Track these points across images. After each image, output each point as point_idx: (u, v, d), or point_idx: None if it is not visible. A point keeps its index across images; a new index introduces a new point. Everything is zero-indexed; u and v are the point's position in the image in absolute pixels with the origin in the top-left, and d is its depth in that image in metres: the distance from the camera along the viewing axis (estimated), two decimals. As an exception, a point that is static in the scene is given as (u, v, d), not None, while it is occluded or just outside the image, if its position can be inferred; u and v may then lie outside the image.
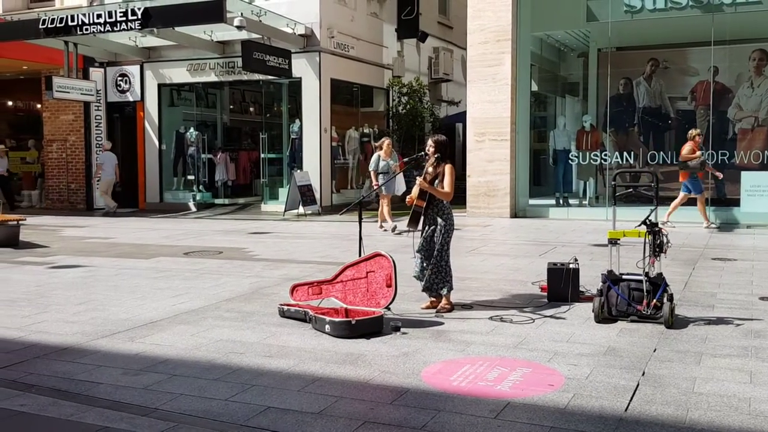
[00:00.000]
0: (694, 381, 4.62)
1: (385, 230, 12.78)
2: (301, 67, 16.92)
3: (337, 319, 5.85)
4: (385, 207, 13.13)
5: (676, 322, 5.99)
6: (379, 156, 13.15)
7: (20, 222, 12.30)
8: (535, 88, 16.81)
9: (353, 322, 5.77)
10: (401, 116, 19.79)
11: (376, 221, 13.42)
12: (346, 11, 18.13)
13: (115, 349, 5.57)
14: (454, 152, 20.52)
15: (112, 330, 6.12)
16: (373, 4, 19.61)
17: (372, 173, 13.21)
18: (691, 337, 5.64)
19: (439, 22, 23.00)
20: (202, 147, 19.05)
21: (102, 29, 15.23)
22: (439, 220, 6.52)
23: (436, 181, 6.54)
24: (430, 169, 6.58)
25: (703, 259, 9.61)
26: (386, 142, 13.20)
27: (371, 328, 5.83)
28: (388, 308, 6.16)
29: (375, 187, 12.88)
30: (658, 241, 6.16)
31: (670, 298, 5.99)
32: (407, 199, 6.66)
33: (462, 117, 18.33)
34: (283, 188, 17.93)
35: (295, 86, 17.56)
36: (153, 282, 8.43)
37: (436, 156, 6.55)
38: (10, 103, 23.38)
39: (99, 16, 15.09)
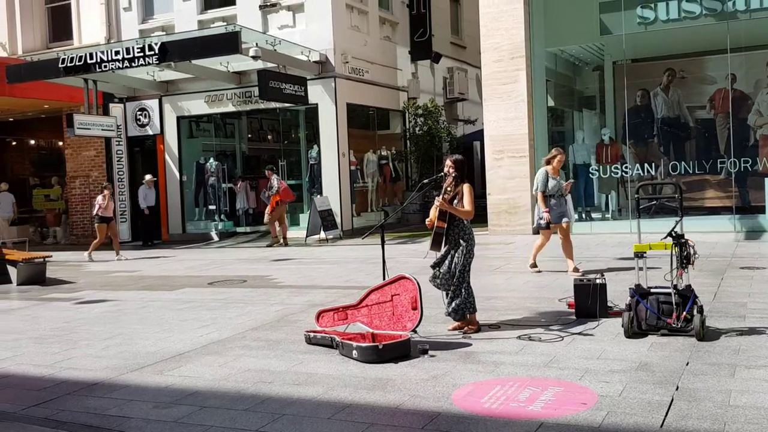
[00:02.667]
0: (729, 394, 4.54)
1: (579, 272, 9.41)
2: (317, 93, 17.04)
3: (364, 345, 5.82)
4: (542, 242, 10.03)
5: (707, 334, 5.90)
6: (546, 173, 9.81)
7: (46, 259, 12.43)
8: (551, 103, 16.78)
9: (380, 347, 5.74)
10: (418, 137, 19.84)
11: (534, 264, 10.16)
12: (359, 36, 18.28)
13: (144, 382, 5.58)
14: (472, 171, 20.54)
15: (141, 363, 6.14)
16: (386, 27, 19.76)
17: (539, 196, 9.80)
18: (723, 349, 5.55)
19: (452, 43, 23.11)
20: (222, 176, 19.20)
21: (120, 65, 15.45)
22: (461, 241, 6.50)
23: (455, 201, 6.52)
24: (449, 189, 6.56)
25: (731, 268, 9.48)
26: (558, 156, 9.89)
27: (399, 351, 5.80)
28: (414, 331, 6.14)
29: (545, 213, 9.66)
30: (685, 253, 6.09)
31: (700, 310, 5.92)
32: (427, 222, 6.64)
33: (479, 135, 18.34)
34: (303, 214, 17.99)
35: (312, 112, 17.67)
36: (179, 313, 8.46)
37: (454, 176, 6.53)
38: (32, 141, 23.78)
39: (117, 52, 15.32)
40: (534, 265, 10.08)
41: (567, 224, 9.77)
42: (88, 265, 14.62)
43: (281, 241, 16.39)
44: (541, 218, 9.74)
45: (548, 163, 9.82)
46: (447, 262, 6.52)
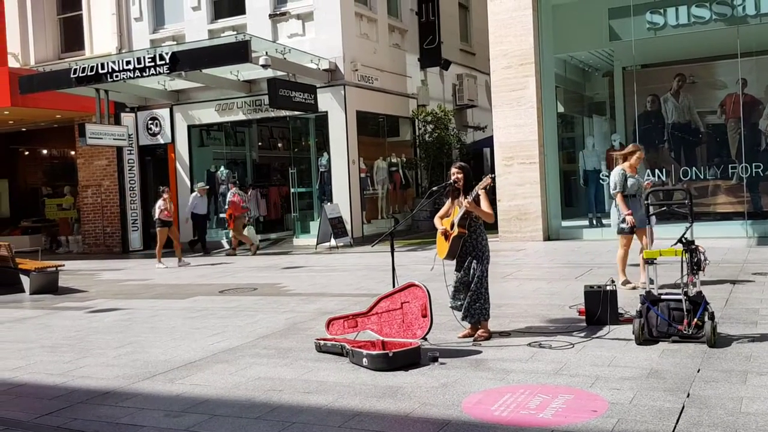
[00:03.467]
0: (740, 401, 4.52)
1: (640, 287, 8.00)
2: (326, 101, 17.10)
3: (374, 352, 5.83)
4: (624, 252, 8.79)
5: (718, 341, 5.87)
6: (623, 172, 8.70)
7: (59, 268, 12.51)
8: (561, 109, 16.76)
9: (391, 355, 5.75)
10: (428, 144, 19.86)
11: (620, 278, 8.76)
12: (368, 44, 18.33)
13: (155, 391, 5.61)
14: (482, 178, 20.48)
15: (152, 372, 6.17)
16: (395, 35, 19.81)
17: (618, 197, 8.63)
18: (735, 356, 5.52)
19: (461, 50, 23.13)
20: (228, 184, 19.25)
21: (132, 75, 15.56)
22: (478, 247, 6.51)
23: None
24: (480, 192, 6.54)
25: (743, 274, 9.43)
26: (637, 152, 8.78)
27: (409, 359, 5.81)
28: (424, 339, 6.14)
29: (628, 216, 8.45)
30: (696, 259, 6.07)
31: (712, 317, 5.89)
32: (440, 231, 6.63)
33: (489, 142, 18.34)
34: (314, 222, 18.03)
35: (322, 120, 17.73)
36: (190, 322, 8.50)
37: (492, 177, 6.55)
38: (45, 151, 23.95)
39: (128, 62, 15.43)
40: (627, 282, 8.72)
41: (645, 231, 8.52)
42: (101, 273, 14.70)
43: (254, 249, 16.71)
44: (623, 221, 8.52)
45: (625, 159, 8.75)
46: (465, 269, 6.52)
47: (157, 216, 15.48)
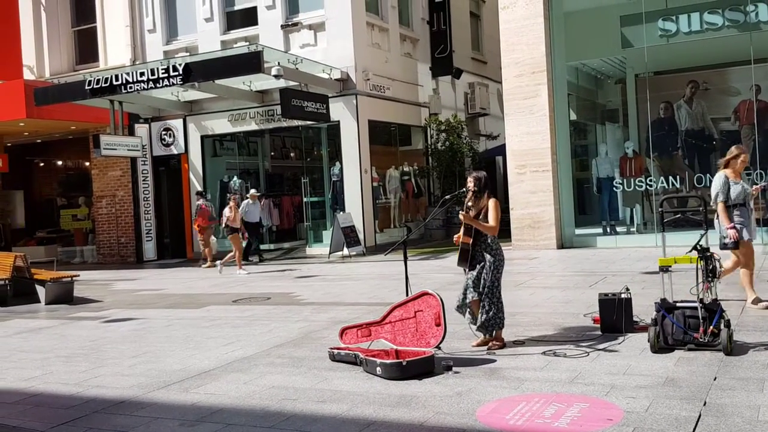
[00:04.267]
0: (758, 409, 4.48)
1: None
2: (338, 110, 17.15)
3: (388, 361, 5.83)
4: (748, 268, 7.71)
5: (735, 349, 5.83)
6: (726, 178, 7.63)
7: (74, 278, 12.59)
8: (573, 117, 16.72)
9: (404, 364, 5.74)
10: (440, 153, 19.87)
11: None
12: (380, 53, 18.39)
13: (170, 400, 5.63)
14: (495, 186, 20.49)
15: (167, 381, 6.19)
16: (407, 44, 19.86)
17: (720, 206, 7.51)
18: (752, 364, 5.48)
19: (472, 58, 23.15)
20: (245, 194, 19.31)
21: (145, 86, 15.67)
22: (488, 256, 6.49)
23: (480, 217, 6.53)
24: (470, 204, 6.56)
25: (759, 281, 9.33)
26: (742, 156, 7.71)
27: (423, 368, 5.80)
28: (438, 347, 6.13)
29: (730, 230, 7.37)
30: (711, 266, 6.04)
31: (728, 324, 5.85)
32: (455, 239, 6.64)
33: (501, 150, 18.34)
34: (326, 231, 18.06)
35: (334, 129, 17.77)
36: (204, 331, 8.52)
37: (473, 190, 6.56)
38: (60, 162, 24.15)
39: (142, 74, 15.55)
40: (758, 300, 7.63)
41: (750, 243, 7.61)
42: (115, 283, 14.78)
43: (214, 263, 16.40)
44: (725, 236, 7.44)
45: (727, 165, 7.71)
46: (476, 277, 6.51)
47: (224, 224, 15.57)
